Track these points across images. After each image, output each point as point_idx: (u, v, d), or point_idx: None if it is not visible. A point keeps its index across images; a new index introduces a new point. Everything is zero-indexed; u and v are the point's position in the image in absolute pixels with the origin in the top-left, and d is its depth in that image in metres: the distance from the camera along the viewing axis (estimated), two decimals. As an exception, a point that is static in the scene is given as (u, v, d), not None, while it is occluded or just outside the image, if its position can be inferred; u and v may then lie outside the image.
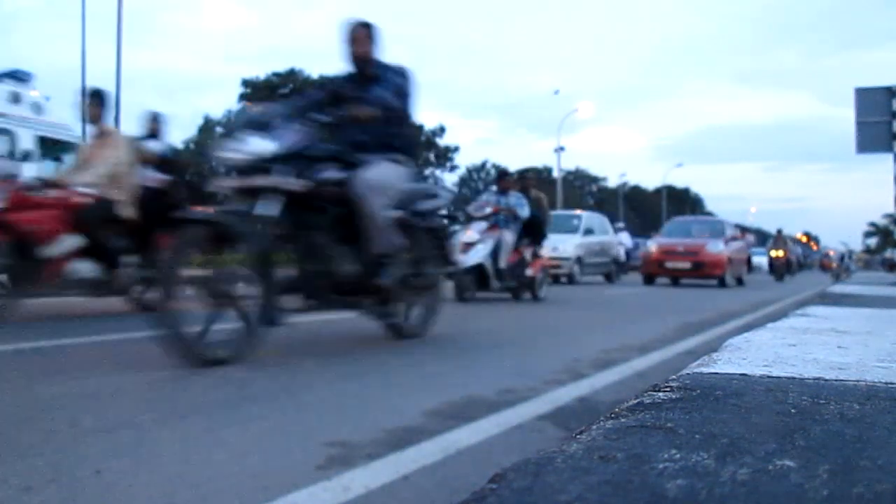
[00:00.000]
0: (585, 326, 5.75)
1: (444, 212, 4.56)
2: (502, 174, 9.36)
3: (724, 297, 10.53)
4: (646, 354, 3.84)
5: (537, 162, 65.22)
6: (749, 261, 19.93)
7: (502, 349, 4.17)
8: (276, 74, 39.97)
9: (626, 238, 21.21)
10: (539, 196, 9.88)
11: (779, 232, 23.46)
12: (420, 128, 43.44)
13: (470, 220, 8.40)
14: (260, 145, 3.28)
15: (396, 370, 3.28)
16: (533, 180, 10.15)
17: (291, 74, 39.75)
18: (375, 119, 3.75)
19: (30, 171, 7.12)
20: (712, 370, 1.88)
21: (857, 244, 65.92)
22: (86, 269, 4.85)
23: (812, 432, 1.22)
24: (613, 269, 16.42)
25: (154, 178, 5.62)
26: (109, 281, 4.99)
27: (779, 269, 21.13)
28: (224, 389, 2.72)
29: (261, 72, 47.73)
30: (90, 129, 5.80)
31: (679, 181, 77.04)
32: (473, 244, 7.90)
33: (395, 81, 4.00)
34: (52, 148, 8.61)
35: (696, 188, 79.89)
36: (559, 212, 19.39)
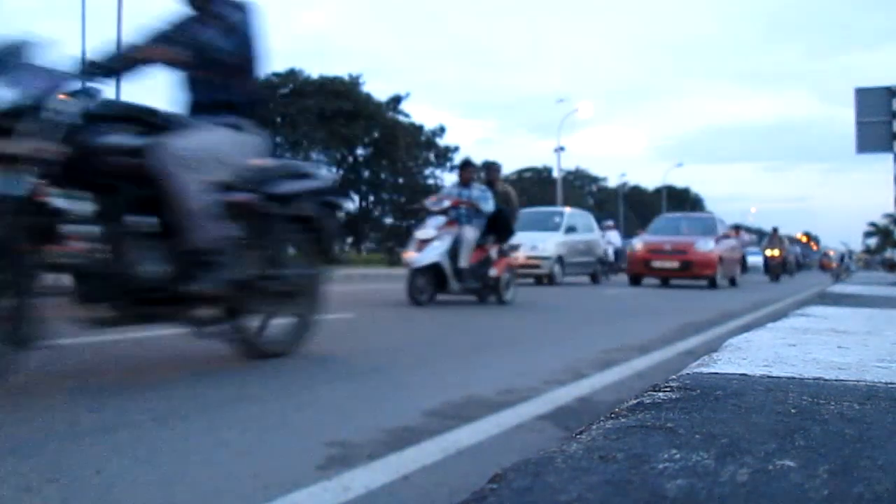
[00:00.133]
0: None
1: (325, 197, 3.62)
2: (464, 164, 8.28)
3: (719, 298, 10.51)
4: (646, 354, 3.84)
5: (537, 162, 65.29)
6: (743, 260, 19.23)
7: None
8: (276, 74, 39.95)
9: (615, 237, 20.27)
10: (506, 189, 9.23)
11: (774, 230, 22.34)
12: (420, 128, 43.47)
13: (426, 214, 7.63)
14: None
15: (396, 370, 3.28)
16: (499, 171, 9.33)
17: (291, 74, 39.73)
18: (185, 63, 2.99)
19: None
20: (712, 370, 1.88)
21: (857, 244, 65.89)
22: None
23: (812, 432, 1.22)
24: (599, 270, 15.74)
25: None
26: None
27: (774, 270, 20.27)
28: (224, 389, 2.72)
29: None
30: None
31: (679, 181, 77.18)
32: (429, 241, 7.16)
33: (231, 19, 3.08)
34: None
35: (696, 188, 79.96)
36: (540, 208, 18.67)
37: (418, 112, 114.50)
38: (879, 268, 38.53)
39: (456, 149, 47.79)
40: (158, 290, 2.83)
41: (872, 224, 67.89)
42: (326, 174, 4.03)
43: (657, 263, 13.89)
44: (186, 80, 3.13)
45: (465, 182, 7.89)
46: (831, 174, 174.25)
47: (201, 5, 3.10)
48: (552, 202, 30.20)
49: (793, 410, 1.39)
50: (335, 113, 37.74)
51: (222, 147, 2.99)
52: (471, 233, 7.36)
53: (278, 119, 36.91)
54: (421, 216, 7.91)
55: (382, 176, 42.52)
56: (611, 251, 18.27)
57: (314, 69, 43.54)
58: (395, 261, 22.36)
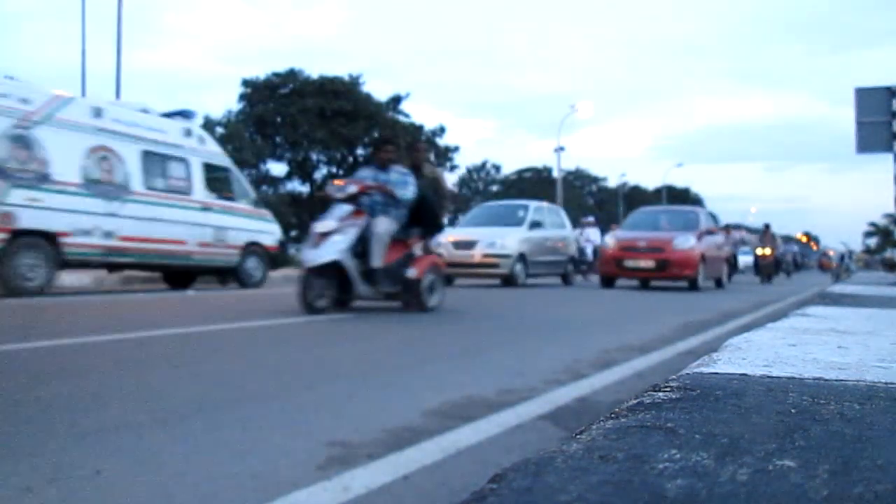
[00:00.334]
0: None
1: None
2: (380, 142, 6.93)
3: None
4: (646, 354, 3.84)
5: (537, 162, 65.34)
6: (733, 260, 18.01)
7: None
8: (276, 74, 39.95)
9: (594, 235, 18.59)
10: (435, 174, 7.66)
11: (766, 227, 20.49)
12: (420, 128, 43.47)
13: (330, 202, 6.26)
14: None
15: (396, 370, 3.28)
16: (425, 152, 7.91)
17: (291, 74, 39.74)
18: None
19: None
20: (712, 370, 1.88)
21: (857, 244, 65.93)
22: None
23: (812, 432, 1.22)
24: (570, 270, 14.35)
25: None
26: None
27: (765, 270, 18.84)
28: (224, 389, 2.72)
29: (261, 72, 47.75)
30: None
31: (679, 181, 77.03)
32: (329, 235, 5.85)
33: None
34: (212, 172, 10.69)
35: (696, 188, 79.78)
36: (503, 201, 17.72)
37: (418, 112, 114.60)
38: (879, 268, 38.53)
39: (456, 149, 47.80)
40: None
41: (872, 224, 67.92)
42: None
43: (630, 263, 12.32)
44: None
45: (382, 164, 6.55)
46: (831, 174, 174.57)
47: None
48: (552, 202, 30.18)
49: (793, 410, 1.39)
50: (335, 113, 37.73)
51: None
52: (384, 225, 6.12)
53: (278, 119, 36.90)
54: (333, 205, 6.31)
55: (382, 176, 42.40)
56: (589, 250, 17.19)
57: (314, 69, 43.49)
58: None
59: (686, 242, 12.16)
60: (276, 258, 12.09)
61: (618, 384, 2.94)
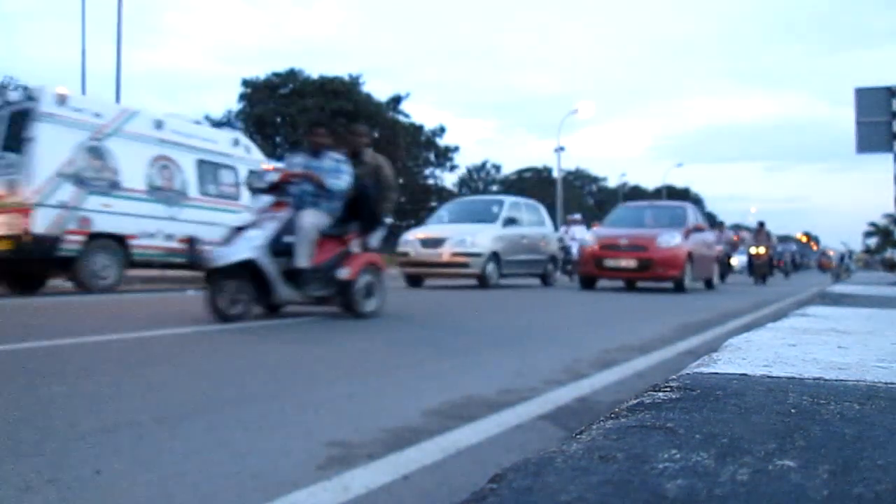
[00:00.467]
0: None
1: None
2: (313, 124, 6.11)
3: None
4: (646, 354, 3.84)
5: (537, 162, 65.40)
6: (724, 259, 17.04)
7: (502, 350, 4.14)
8: (276, 74, 39.97)
9: (581, 232, 16.94)
10: (378, 162, 6.60)
11: (760, 225, 19.08)
12: (420, 128, 43.46)
13: (253, 192, 5.68)
14: None
15: (396, 370, 3.28)
16: (366, 136, 6.86)
17: (291, 74, 39.75)
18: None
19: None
20: (712, 370, 1.88)
21: (857, 244, 65.94)
22: None
23: (812, 432, 1.22)
24: (551, 270, 13.35)
25: None
26: None
27: (759, 270, 17.63)
28: (224, 389, 2.72)
29: (261, 72, 47.75)
30: None
31: (679, 181, 77.07)
32: (243, 230, 5.11)
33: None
34: None
35: (696, 188, 79.87)
36: (476, 197, 17.00)
37: (418, 112, 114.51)
38: (879, 268, 38.52)
39: (456, 149, 47.89)
40: None
41: (872, 224, 67.90)
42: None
43: (611, 262, 11.35)
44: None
45: (315, 150, 5.78)
46: (831, 174, 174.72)
47: None
48: (552, 202, 30.19)
49: (793, 410, 1.39)
50: (335, 113, 37.73)
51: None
52: (312, 218, 5.35)
53: (278, 119, 36.92)
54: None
55: (382, 176, 42.42)
56: (575, 249, 15.37)
57: (314, 69, 43.50)
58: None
59: (671, 240, 11.21)
60: None
61: (618, 384, 2.94)
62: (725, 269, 17.34)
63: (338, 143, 6.31)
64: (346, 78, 39.87)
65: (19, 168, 8.63)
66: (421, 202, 40.88)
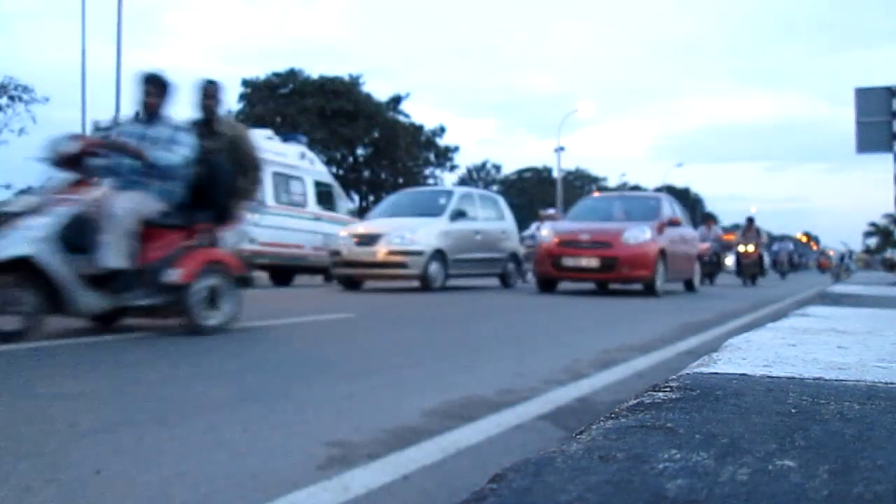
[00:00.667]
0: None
1: None
2: (147, 79, 4.52)
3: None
4: (646, 354, 3.84)
5: (537, 162, 65.35)
6: (713, 259, 15.93)
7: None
8: (276, 74, 39.98)
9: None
10: (236, 132, 5.07)
11: (749, 221, 17.02)
12: (420, 128, 43.48)
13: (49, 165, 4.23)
14: None
15: (396, 370, 3.28)
16: (218, 98, 5.02)
17: (291, 74, 39.77)
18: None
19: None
20: (712, 370, 1.88)
21: (857, 244, 65.99)
22: None
23: (812, 432, 1.22)
24: (512, 270, 11.87)
25: None
26: None
27: (748, 270, 15.93)
28: (224, 389, 2.72)
29: (261, 72, 47.79)
30: None
31: (679, 181, 77.08)
32: (21, 216, 3.82)
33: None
34: (320, 188, 12.56)
35: (696, 188, 79.90)
36: (422, 188, 15.59)
37: (418, 112, 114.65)
38: (880, 268, 38.52)
39: (456, 149, 47.90)
40: None
41: (872, 224, 67.97)
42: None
43: (570, 261, 9.78)
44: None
45: (149, 113, 4.49)
46: (831, 174, 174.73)
47: None
48: (552, 202, 30.19)
49: (793, 410, 1.39)
50: (335, 113, 37.73)
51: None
52: (127, 203, 4.07)
53: (278, 119, 36.95)
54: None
55: (382, 176, 42.53)
56: None
57: (314, 69, 43.53)
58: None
59: (640, 235, 9.66)
60: None
61: (618, 384, 2.94)
62: (714, 269, 16.21)
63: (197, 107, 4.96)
64: (346, 78, 39.88)
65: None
66: (421, 202, 40.77)
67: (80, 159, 4.17)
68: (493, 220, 11.75)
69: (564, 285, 10.87)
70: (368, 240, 10.07)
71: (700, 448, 1.10)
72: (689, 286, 11.67)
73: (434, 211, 10.72)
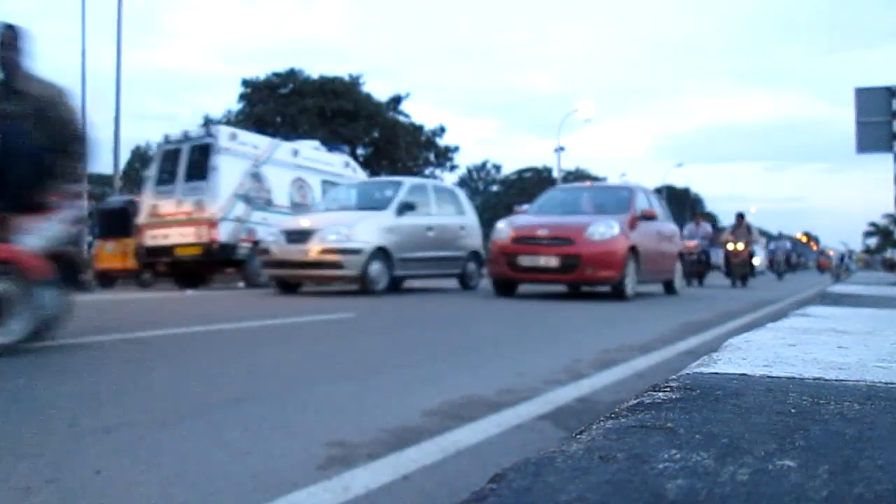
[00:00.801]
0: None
1: None
2: None
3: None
4: (646, 354, 3.84)
5: (537, 162, 65.40)
6: (701, 258, 14.92)
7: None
8: (276, 74, 39.99)
9: None
10: (45, 92, 3.87)
11: (739, 217, 15.57)
12: (420, 128, 43.48)
13: None
14: None
15: (396, 370, 3.28)
16: (18, 49, 3.87)
17: (291, 74, 39.77)
18: None
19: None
20: (712, 370, 1.88)
21: (857, 244, 66.06)
22: None
23: (812, 432, 1.22)
24: (472, 270, 10.74)
25: None
26: None
27: (737, 270, 14.71)
28: (224, 389, 2.72)
29: (261, 72, 47.80)
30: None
31: (679, 181, 77.16)
32: None
33: None
34: None
35: (696, 188, 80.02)
36: (370, 178, 14.56)
37: (418, 112, 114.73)
38: (880, 268, 38.53)
39: (456, 149, 47.90)
40: None
41: (872, 224, 68.00)
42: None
43: (526, 260, 8.56)
44: None
45: None
46: (831, 174, 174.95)
47: None
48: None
49: (793, 410, 1.39)
50: (335, 113, 37.72)
51: None
52: None
53: (278, 119, 36.96)
54: None
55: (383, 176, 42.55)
56: None
57: (314, 69, 43.54)
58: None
59: (606, 230, 8.45)
60: None
61: (618, 384, 2.94)
62: (703, 269, 15.22)
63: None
64: (346, 78, 39.89)
65: (205, 191, 11.06)
66: (421, 202, 40.80)
67: None
68: (450, 214, 10.71)
69: (530, 286, 9.92)
70: (300, 236, 8.97)
71: (700, 448, 1.10)
72: (669, 288, 10.44)
73: (378, 204, 9.66)
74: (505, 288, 9.08)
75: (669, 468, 0.99)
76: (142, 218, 11.74)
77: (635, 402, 1.46)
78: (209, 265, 11.71)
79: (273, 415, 2.29)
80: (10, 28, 3.89)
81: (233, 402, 2.47)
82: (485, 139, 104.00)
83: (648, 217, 9.36)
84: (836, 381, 1.76)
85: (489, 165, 64.12)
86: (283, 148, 12.56)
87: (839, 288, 9.24)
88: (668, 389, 1.59)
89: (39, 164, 3.67)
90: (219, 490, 1.56)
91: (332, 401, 2.54)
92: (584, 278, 8.50)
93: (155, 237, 11.47)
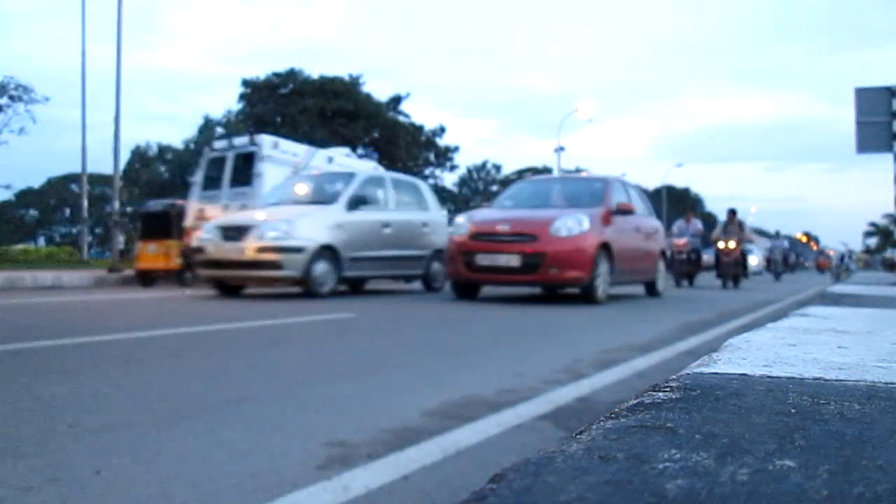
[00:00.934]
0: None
1: None
2: None
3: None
4: (646, 354, 3.84)
5: (537, 162, 65.36)
6: (692, 257, 14.10)
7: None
8: (276, 74, 39.99)
9: None
10: None
11: (731, 214, 14.54)
12: (420, 128, 43.47)
13: None
14: None
15: (396, 370, 3.28)
16: None
17: (291, 74, 39.78)
18: None
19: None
20: (712, 370, 1.88)
21: (857, 244, 66.08)
22: None
23: (812, 432, 1.22)
24: (437, 270, 9.83)
25: None
26: None
27: (728, 270, 13.67)
28: (224, 389, 2.72)
29: (261, 72, 47.79)
30: None
31: (679, 181, 77.20)
32: None
33: None
34: None
35: (696, 188, 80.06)
36: (323, 171, 11.92)
37: (418, 112, 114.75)
38: (879, 268, 38.53)
39: (456, 149, 47.91)
40: None
41: (872, 224, 68.01)
42: None
43: (485, 259, 7.64)
44: None
45: None
46: (831, 174, 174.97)
47: None
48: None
49: (793, 410, 1.39)
50: (335, 113, 37.74)
51: None
52: None
53: (278, 119, 36.97)
54: None
55: (382, 176, 42.53)
56: None
57: (314, 69, 43.55)
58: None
59: (573, 225, 7.53)
60: None
61: (618, 384, 2.94)
62: (694, 268, 14.41)
63: None
64: (346, 78, 39.90)
65: (249, 196, 10.77)
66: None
67: None
68: (411, 209, 9.78)
69: (495, 289, 9.14)
70: (236, 233, 8.12)
71: (700, 448, 1.10)
72: (651, 290, 9.51)
73: (327, 198, 8.82)
74: (464, 290, 8.24)
75: (669, 468, 0.99)
76: (188, 221, 11.74)
77: (635, 402, 1.46)
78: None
79: (273, 415, 2.29)
80: None
81: (233, 402, 2.47)
82: (485, 139, 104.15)
83: (625, 211, 8.42)
84: (836, 381, 1.76)
85: (489, 165, 64.13)
86: (319, 155, 12.84)
87: (839, 288, 9.24)
88: (668, 389, 1.59)
89: None
90: (218, 490, 1.56)
91: (331, 401, 2.54)
92: (548, 279, 7.58)
93: None
